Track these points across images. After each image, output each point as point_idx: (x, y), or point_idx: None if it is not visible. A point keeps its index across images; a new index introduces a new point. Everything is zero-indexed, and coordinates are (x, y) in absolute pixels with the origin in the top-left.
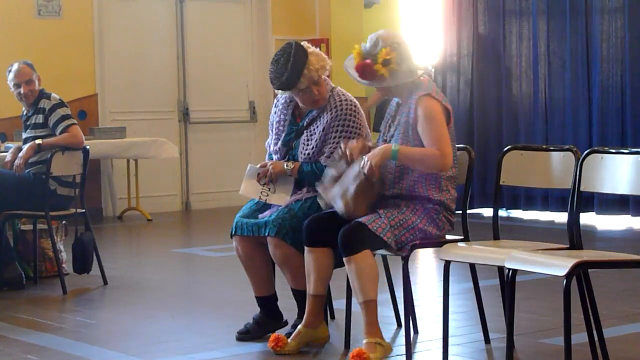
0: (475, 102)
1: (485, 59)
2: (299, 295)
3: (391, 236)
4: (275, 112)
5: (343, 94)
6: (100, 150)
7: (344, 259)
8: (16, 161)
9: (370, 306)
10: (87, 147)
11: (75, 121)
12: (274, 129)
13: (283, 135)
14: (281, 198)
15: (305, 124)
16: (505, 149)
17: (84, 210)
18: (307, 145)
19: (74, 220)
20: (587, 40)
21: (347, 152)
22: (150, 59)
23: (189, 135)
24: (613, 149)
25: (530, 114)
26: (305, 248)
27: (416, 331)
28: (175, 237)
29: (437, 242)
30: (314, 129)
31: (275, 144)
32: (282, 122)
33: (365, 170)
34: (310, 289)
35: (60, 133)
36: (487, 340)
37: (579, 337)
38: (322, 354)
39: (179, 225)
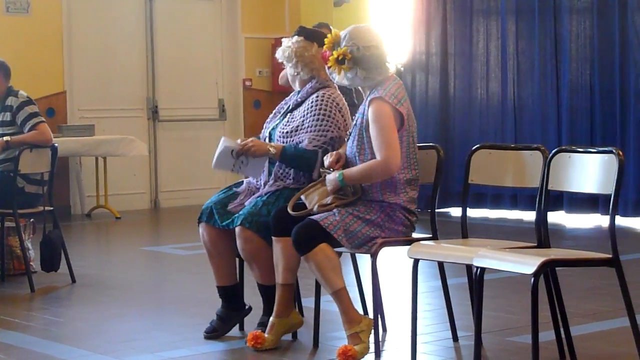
0: (443, 100)
1: (454, 58)
2: (266, 291)
3: (342, 233)
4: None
5: (331, 95)
6: (68, 148)
7: (302, 257)
8: None
9: (341, 294)
10: (56, 144)
11: (44, 119)
12: (272, 114)
13: (275, 121)
14: (255, 170)
15: (290, 108)
16: (474, 147)
17: (52, 208)
18: (286, 125)
19: (42, 218)
20: (555, 40)
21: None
22: (120, 57)
23: (158, 133)
24: (581, 147)
25: (499, 113)
26: (273, 238)
27: (385, 329)
28: (143, 235)
29: (406, 241)
30: (295, 115)
31: (269, 121)
32: (279, 109)
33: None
34: (279, 278)
35: (29, 131)
36: (455, 338)
37: (547, 335)
38: (291, 351)
39: (147, 223)
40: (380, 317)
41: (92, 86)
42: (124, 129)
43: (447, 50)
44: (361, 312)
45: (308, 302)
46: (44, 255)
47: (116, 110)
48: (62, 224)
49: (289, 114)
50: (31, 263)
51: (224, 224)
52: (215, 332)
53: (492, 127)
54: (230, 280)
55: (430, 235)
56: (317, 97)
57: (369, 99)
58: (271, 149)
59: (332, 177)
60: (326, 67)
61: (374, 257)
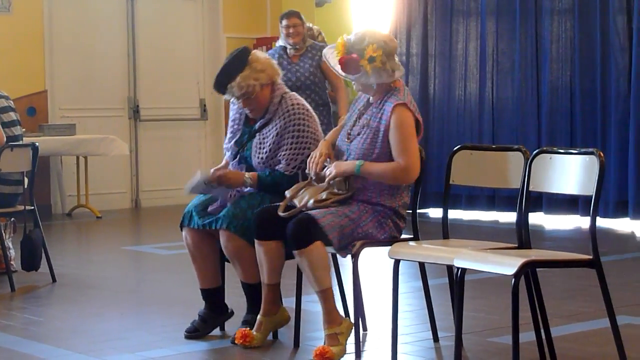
0: (424, 101)
1: (435, 59)
2: (250, 289)
3: (337, 235)
4: (232, 109)
5: (295, 99)
6: (49, 147)
7: (295, 252)
8: None
9: (327, 294)
10: (36, 143)
11: None
12: (229, 126)
13: (238, 134)
14: (226, 194)
15: (257, 127)
16: (455, 148)
17: (33, 207)
18: (261, 149)
19: (23, 217)
20: (536, 41)
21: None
22: (101, 56)
23: (139, 133)
24: (562, 149)
25: (478, 113)
26: (256, 241)
27: (365, 329)
28: (124, 235)
29: (387, 241)
30: (266, 133)
31: (229, 141)
32: (237, 121)
33: (328, 177)
34: (264, 278)
35: None
36: (435, 338)
37: (527, 336)
38: (271, 351)
39: (128, 222)
40: (361, 317)
41: (73, 85)
42: (105, 128)
43: (428, 51)
44: (342, 312)
45: (289, 302)
46: (24, 254)
47: (97, 109)
48: (43, 223)
49: (257, 134)
50: (12, 262)
51: (204, 222)
52: (196, 332)
53: (470, 127)
54: (213, 283)
55: (412, 236)
56: (286, 109)
57: (392, 104)
58: (247, 179)
59: (351, 163)
60: (349, 73)
61: (355, 257)
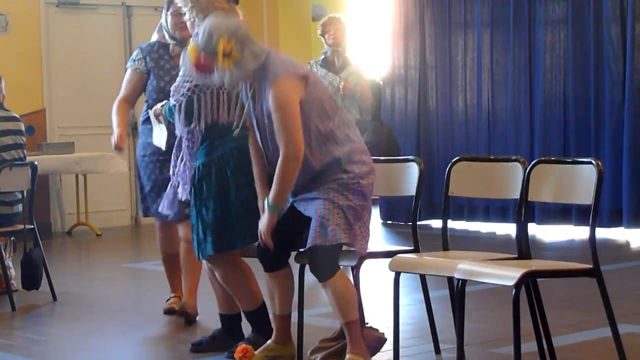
0: (422, 112)
1: (432, 71)
2: (251, 316)
3: (345, 236)
4: None
5: None
6: (48, 165)
7: (321, 284)
8: None
9: (352, 326)
10: (35, 162)
11: None
12: None
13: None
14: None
15: None
16: (454, 159)
17: (33, 226)
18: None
19: (23, 236)
20: (530, 52)
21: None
22: (98, 74)
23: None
24: (560, 158)
25: (474, 124)
26: (266, 274)
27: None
28: (125, 252)
29: (388, 253)
30: None
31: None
32: None
33: (263, 240)
34: (276, 310)
35: None
36: (437, 350)
37: (529, 347)
38: None
39: (128, 240)
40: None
41: (71, 104)
42: (103, 146)
43: (426, 62)
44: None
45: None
46: (24, 273)
47: (96, 127)
48: (43, 242)
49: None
50: (12, 281)
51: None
52: (200, 346)
53: (467, 138)
54: (227, 309)
55: (412, 248)
56: None
57: (268, 87)
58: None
59: (267, 214)
60: (207, 76)
61: (356, 270)
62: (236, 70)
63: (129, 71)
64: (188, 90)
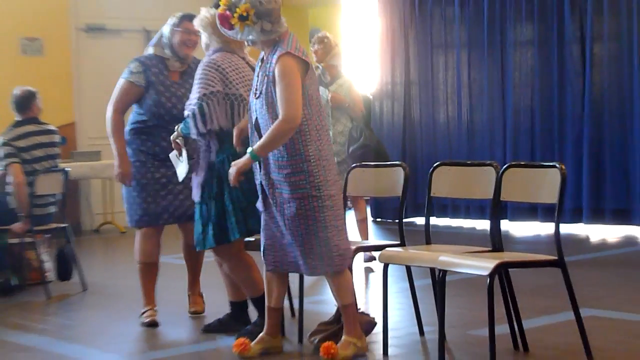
0: (407, 123)
1: (416, 86)
2: (256, 302)
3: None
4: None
5: (212, 58)
6: (78, 172)
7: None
8: None
9: (348, 309)
10: (67, 169)
11: (16, 159)
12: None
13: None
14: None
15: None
16: (435, 165)
17: (65, 225)
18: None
19: (56, 233)
20: (502, 69)
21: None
22: None
23: None
24: (528, 163)
25: (455, 133)
26: (267, 272)
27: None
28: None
29: (377, 247)
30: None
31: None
32: None
33: (231, 179)
34: (272, 303)
35: (5, 167)
36: (421, 332)
37: (502, 329)
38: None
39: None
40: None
41: (98, 117)
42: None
43: (410, 79)
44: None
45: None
46: (58, 266)
47: None
48: (74, 239)
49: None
50: (47, 274)
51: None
52: (209, 327)
53: (448, 145)
54: (236, 297)
55: (399, 243)
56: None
57: (275, 56)
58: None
59: (245, 157)
60: (225, 29)
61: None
62: (245, 33)
63: (124, 82)
64: (198, 99)
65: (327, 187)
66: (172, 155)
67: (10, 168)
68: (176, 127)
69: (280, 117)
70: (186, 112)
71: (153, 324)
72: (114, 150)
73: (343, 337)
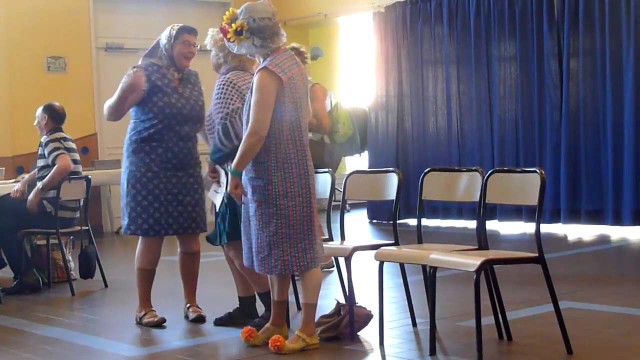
0: (400, 133)
1: (408, 99)
2: (263, 297)
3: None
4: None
5: (228, 77)
6: (100, 179)
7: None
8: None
9: (309, 308)
10: (89, 176)
11: (63, 151)
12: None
13: None
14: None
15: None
16: (426, 170)
17: (87, 227)
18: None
19: (80, 235)
20: (488, 83)
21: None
22: None
23: None
24: (511, 168)
25: (446, 142)
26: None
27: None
28: (163, 247)
29: (373, 246)
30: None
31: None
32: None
33: (237, 200)
34: (275, 296)
35: (52, 161)
36: (414, 324)
37: (488, 320)
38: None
39: (166, 237)
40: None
41: (118, 128)
42: None
43: (403, 92)
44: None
45: (292, 298)
46: (81, 265)
47: None
48: (96, 240)
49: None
50: (72, 272)
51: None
52: (220, 320)
53: (439, 153)
54: (242, 292)
55: (393, 242)
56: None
57: (257, 69)
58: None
59: (229, 177)
60: (225, 41)
61: (348, 260)
62: (240, 46)
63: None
64: (221, 119)
65: (285, 198)
66: (211, 192)
67: (59, 159)
68: (206, 159)
69: (247, 130)
70: (211, 138)
71: (160, 322)
72: (117, 91)
73: (296, 332)
